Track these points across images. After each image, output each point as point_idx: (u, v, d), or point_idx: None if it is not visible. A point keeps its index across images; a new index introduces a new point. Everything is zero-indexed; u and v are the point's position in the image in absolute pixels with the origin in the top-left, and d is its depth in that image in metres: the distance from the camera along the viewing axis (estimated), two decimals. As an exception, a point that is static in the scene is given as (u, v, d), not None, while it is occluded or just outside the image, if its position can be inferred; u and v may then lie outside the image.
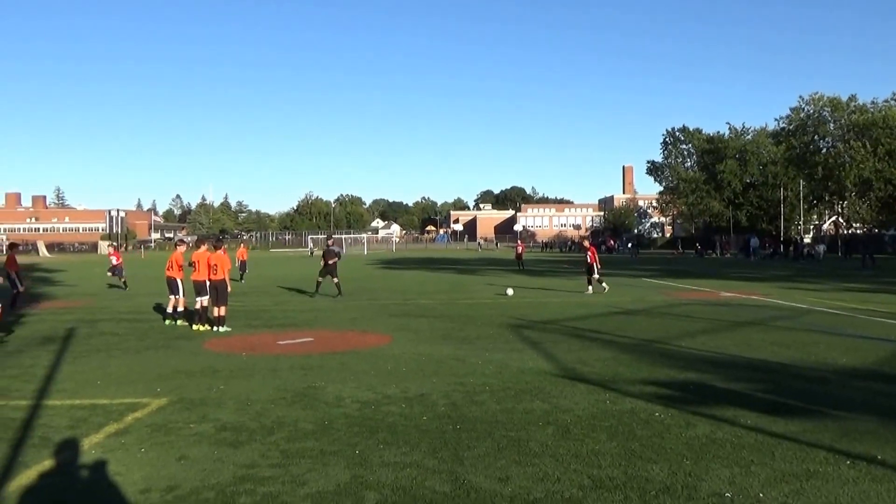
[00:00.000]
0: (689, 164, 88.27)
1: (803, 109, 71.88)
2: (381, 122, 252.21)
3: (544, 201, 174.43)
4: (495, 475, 4.83)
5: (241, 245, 33.90)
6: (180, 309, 13.86)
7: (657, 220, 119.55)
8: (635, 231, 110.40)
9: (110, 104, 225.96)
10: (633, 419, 6.26)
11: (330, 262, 19.99)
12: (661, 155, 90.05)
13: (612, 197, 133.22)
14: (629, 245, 79.49)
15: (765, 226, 76.58)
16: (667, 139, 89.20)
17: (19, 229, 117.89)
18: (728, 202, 79.52)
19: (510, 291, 20.04)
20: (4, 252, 15.74)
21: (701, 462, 5.08)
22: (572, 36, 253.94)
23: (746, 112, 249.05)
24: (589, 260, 20.96)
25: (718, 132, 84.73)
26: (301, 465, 5.06)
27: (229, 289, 13.20)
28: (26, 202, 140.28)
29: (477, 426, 6.08)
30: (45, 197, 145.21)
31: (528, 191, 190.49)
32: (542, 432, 5.89)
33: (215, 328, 12.72)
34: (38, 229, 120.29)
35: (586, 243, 22.84)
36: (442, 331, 12.54)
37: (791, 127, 73.48)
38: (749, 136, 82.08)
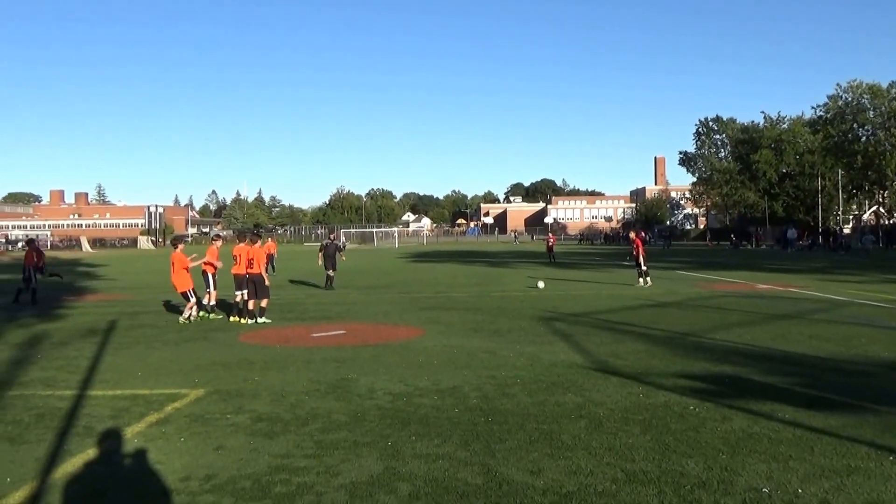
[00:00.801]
0: (722, 154, 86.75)
1: (841, 97, 70.13)
2: (410, 116, 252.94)
3: (575, 193, 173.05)
4: (527, 468, 4.84)
5: (270, 239, 34.39)
6: (213, 303, 14.09)
7: (690, 212, 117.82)
8: (667, 223, 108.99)
9: (149, 104, 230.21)
10: (667, 413, 6.22)
11: (330, 255, 20.93)
12: (694, 145, 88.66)
13: (643, 188, 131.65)
14: (661, 237, 78.52)
15: (802, 216, 74.91)
16: (700, 129, 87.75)
17: (63, 225, 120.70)
18: (763, 192, 77.97)
19: (541, 284, 19.96)
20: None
21: (737, 456, 5.02)
22: (602, 27, 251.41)
23: (782, 101, 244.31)
24: (634, 253, 20.81)
25: (753, 121, 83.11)
26: (335, 455, 5.13)
27: (267, 282, 13.41)
28: (69, 199, 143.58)
29: (508, 419, 6.09)
30: (87, 194, 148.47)
31: (559, 183, 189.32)
32: (574, 425, 5.88)
33: (257, 319, 12.96)
34: (81, 225, 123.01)
35: (632, 235, 22.48)
36: (473, 323, 12.56)
37: (829, 115, 71.72)
38: (785, 125, 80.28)
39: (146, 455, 5.22)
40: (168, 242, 15.30)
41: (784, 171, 78.50)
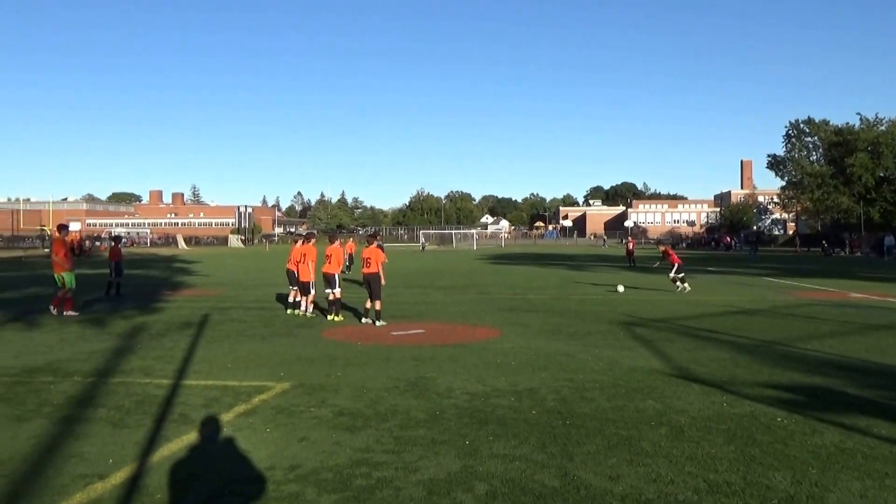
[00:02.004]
0: (814, 157, 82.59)
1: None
2: (490, 119, 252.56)
3: (656, 197, 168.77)
4: (606, 473, 4.81)
5: (349, 240, 35.36)
6: (309, 308, 14.33)
7: (778, 217, 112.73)
8: (754, 228, 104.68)
9: (240, 110, 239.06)
10: (752, 423, 6.03)
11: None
12: (784, 148, 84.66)
13: (728, 192, 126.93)
14: (748, 242, 75.54)
15: (900, 223, 70.46)
16: (790, 132, 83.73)
17: (161, 224, 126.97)
18: (859, 198, 73.70)
19: (621, 288, 19.62)
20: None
21: (828, 472, 4.83)
22: (688, 28, 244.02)
23: (879, 101, 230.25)
24: (670, 261, 20.43)
25: (848, 123, 78.60)
26: (413, 452, 5.24)
27: (383, 281, 13.16)
28: (167, 199, 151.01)
29: (587, 423, 6.05)
30: (182, 194, 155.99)
31: (640, 186, 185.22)
32: (654, 432, 5.78)
33: (376, 322, 12.75)
34: (177, 224, 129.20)
35: (661, 248, 22.05)
36: (551, 326, 12.49)
37: (932, 115, 66.98)
38: (883, 127, 75.65)
39: (235, 443, 5.48)
40: (303, 236, 16.16)
41: (881, 175, 73.97)
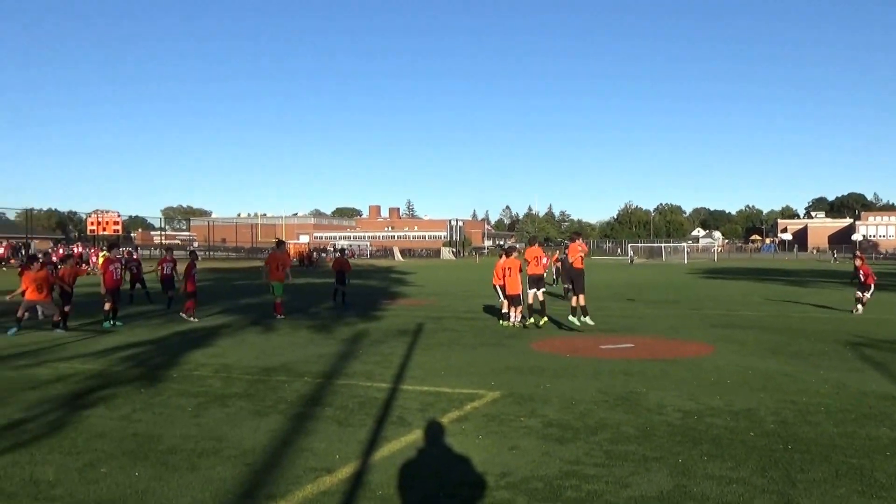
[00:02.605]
0: None
1: None
2: (698, 129, 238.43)
3: (889, 208, 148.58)
4: (833, 503, 4.37)
5: (556, 252, 35.48)
6: (517, 318, 14.69)
7: None
8: None
9: (453, 127, 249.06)
10: None
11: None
12: None
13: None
14: None
15: None
16: None
17: (379, 237, 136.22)
18: None
19: (860, 309, 17.40)
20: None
21: None
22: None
23: None
24: (862, 277, 17.54)
25: None
26: (624, 467, 5.14)
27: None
28: (384, 213, 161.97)
29: (811, 448, 5.53)
30: (398, 209, 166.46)
31: (870, 197, 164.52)
32: (890, 463, 5.15)
33: (584, 319, 13.59)
34: (394, 237, 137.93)
35: (858, 262, 18.81)
36: (769, 344, 11.55)
37: None
38: None
39: (449, 448, 5.73)
40: (503, 250, 16.85)
41: None
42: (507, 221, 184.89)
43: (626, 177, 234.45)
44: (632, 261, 78.84)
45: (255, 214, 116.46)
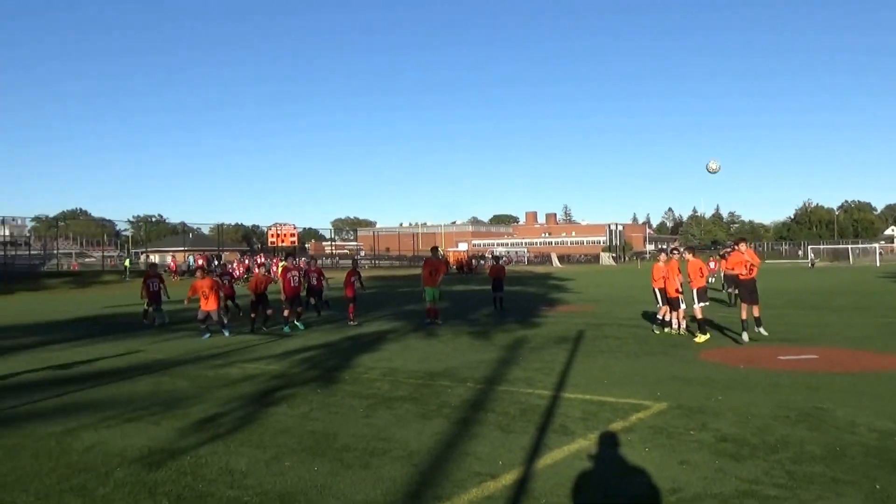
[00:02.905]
0: None
1: None
2: (890, 117, 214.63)
3: None
4: None
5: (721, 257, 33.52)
6: (682, 324, 14.03)
7: None
8: None
9: (604, 130, 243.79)
10: None
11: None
12: None
13: None
14: None
15: None
16: None
17: (536, 243, 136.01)
18: None
19: None
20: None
21: None
22: None
23: None
24: None
25: None
26: (810, 490, 4.73)
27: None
28: (541, 219, 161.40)
29: None
30: (555, 214, 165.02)
31: None
32: None
33: (759, 329, 12.80)
34: (551, 242, 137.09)
35: None
36: None
37: None
38: None
39: (614, 460, 5.59)
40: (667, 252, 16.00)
41: None
42: (669, 224, 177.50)
43: (804, 173, 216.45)
44: (812, 264, 72.82)
45: (416, 224, 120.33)
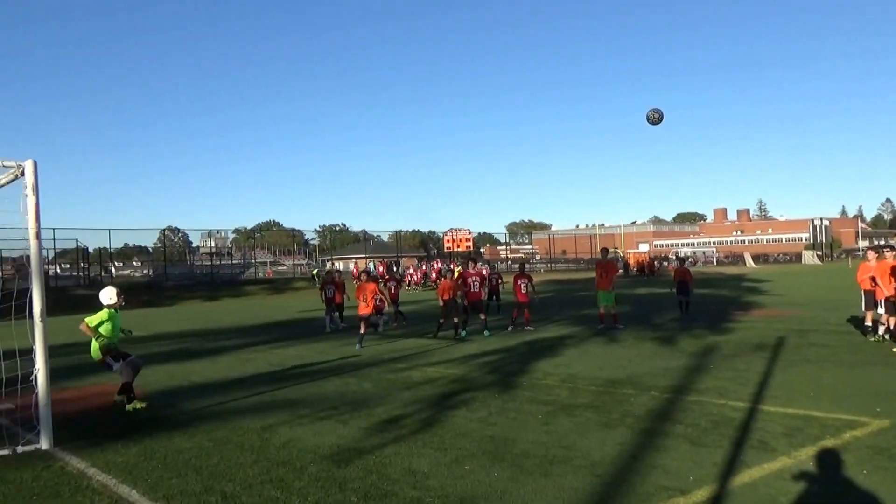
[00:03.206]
0: None
1: None
2: None
3: None
4: None
5: None
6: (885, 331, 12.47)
7: None
8: None
9: (802, 117, 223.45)
10: None
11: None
12: None
13: None
14: None
15: None
16: None
17: (726, 242, 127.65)
18: None
19: None
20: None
21: None
22: None
23: None
24: None
25: None
26: None
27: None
28: (731, 216, 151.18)
29: None
30: (748, 210, 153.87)
31: None
32: None
33: None
34: (743, 241, 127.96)
35: None
36: None
37: None
38: None
39: (824, 482, 5.01)
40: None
41: None
42: (887, 217, 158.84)
43: None
44: None
45: (594, 225, 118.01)
